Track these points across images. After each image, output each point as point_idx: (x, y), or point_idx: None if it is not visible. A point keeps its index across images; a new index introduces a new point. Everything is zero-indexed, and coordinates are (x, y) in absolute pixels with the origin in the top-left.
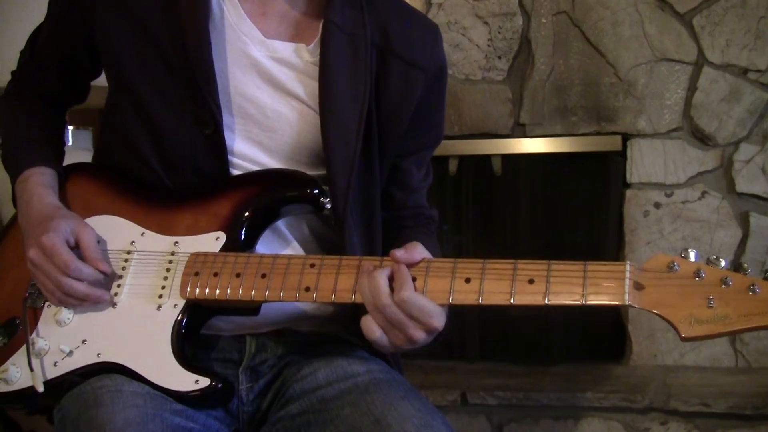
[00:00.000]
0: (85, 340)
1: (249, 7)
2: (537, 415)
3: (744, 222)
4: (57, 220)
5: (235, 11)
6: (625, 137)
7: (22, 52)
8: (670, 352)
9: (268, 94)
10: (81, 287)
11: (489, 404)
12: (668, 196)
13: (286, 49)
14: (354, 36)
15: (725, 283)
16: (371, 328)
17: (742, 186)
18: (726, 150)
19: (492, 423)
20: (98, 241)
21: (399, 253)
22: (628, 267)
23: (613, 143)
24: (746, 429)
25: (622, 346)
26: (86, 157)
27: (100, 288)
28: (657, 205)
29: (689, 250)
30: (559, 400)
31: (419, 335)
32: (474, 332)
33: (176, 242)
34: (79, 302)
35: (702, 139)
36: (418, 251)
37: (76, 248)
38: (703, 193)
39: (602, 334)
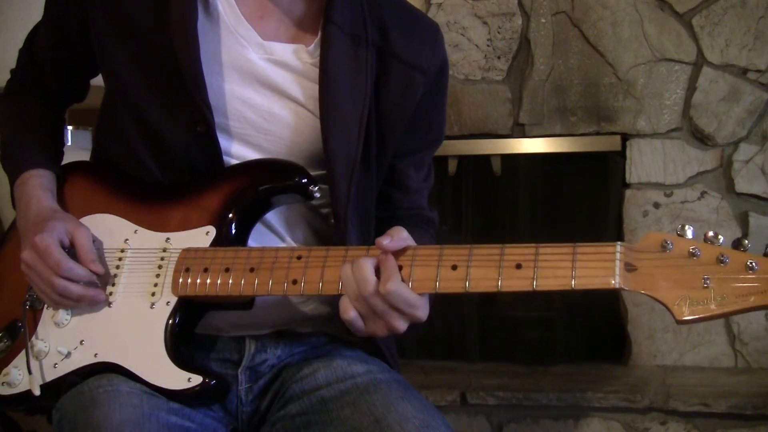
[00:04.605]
0: (82, 341)
1: (247, 8)
2: (537, 415)
3: (743, 222)
4: (52, 222)
5: (232, 13)
6: (625, 137)
7: (21, 51)
8: (670, 353)
9: (265, 97)
10: (75, 288)
11: (489, 404)
12: (668, 196)
13: (284, 50)
14: (354, 36)
15: (722, 261)
16: (346, 308)
17: (741, 186)
18: (725, 150)
19: (492, 423)
20: (93, 241)
21: (385, 241)
22: (618, 248)
23: (612, 143)
24: (746, 429)
25: (622, 346)
26: (86, 156)
27: (95, 288)
28: (656, 205)
29: (686, 226)
30: (558, 400)
31: (402, 326)
32: (474, 332)
33: (168, 238)
34: (74, 303)
35: (701, 139)
36: (403, 237)
37: (71, 248)
38: (703, 193)
39: (602, 334)
